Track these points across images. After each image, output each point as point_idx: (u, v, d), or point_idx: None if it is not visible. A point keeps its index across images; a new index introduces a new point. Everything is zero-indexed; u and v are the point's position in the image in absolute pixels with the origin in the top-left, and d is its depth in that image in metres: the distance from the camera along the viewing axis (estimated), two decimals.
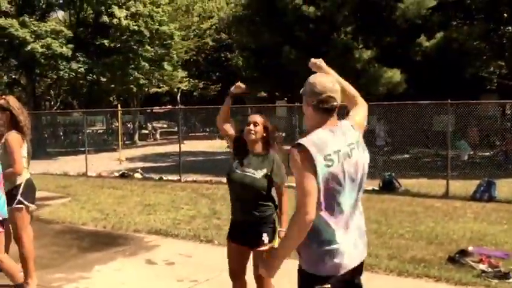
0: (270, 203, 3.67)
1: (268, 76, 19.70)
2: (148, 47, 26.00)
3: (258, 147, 3.67)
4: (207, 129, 39.59)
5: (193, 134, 38.15)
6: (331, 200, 2.33)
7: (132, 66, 26.07)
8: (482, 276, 4.82)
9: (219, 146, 26.69)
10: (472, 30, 16.61)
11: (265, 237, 3.62)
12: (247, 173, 3.60)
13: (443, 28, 16.70)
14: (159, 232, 6.97)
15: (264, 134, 3.66)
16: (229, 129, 3.85)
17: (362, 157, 2.46)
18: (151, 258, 5.84)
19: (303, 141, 2.31)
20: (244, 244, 3.66)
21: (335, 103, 2.40)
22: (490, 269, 4.94)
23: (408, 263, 5.34)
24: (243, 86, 3.86)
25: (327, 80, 2.47)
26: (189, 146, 24.13)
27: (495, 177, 10.59)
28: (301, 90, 2.51)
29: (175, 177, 13.04)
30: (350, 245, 2.38)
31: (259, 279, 3.70)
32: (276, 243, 3.60)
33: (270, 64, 18.37)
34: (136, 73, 26.32)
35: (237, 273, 3.82)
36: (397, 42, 16.16)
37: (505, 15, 18.56)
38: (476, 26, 16.77)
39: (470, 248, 5.59)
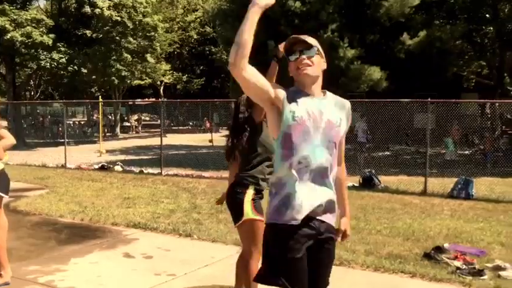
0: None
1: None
2: (131, 39, 25.77)
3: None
4: (190, 123, 39.45)
5: (176, 128, 38.00)
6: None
7: (114, 57, 25.81)
8: (456, 273, 4.88)
9: (201, 139, 26.63)
10: (455, 30, 16.81)
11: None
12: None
13: (426, 27, 16.86)
14: (138, 225, 6.92)
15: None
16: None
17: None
18: (129, 251, 5.80)
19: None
20: None
21: None
22: (464, 266, 5.01)
23: (385, 258, 5.39)
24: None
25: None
26: (171, 139, 24.04)
27: (473, 175, 10.76)
28: (315, 45, 2.49)
29: (156, 170, 12.97)
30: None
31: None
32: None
33: (255, 59, 18.31)
34: (118, 65, 26.06)
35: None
36: (380, 40, 16.28)
37: (487, 15, 18.82)
38: (458, 25, 16.96)
39: (446, 245, 5.67)
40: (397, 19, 16.35)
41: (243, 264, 3.85)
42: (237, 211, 3.72)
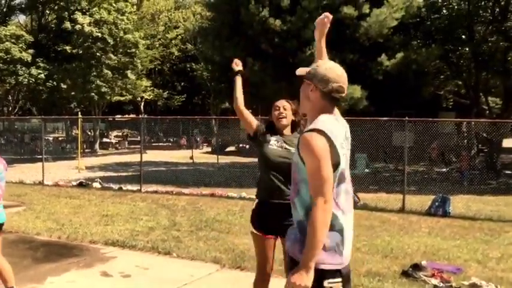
0: None
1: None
2: (112, 55, 25.74)
3: (287, 131, 3.73)
4: (170, 140, 39.29)
5: (157, 144, 37.79)
6: (340, 188, 2.37)
7: (95, 73, 25.72)
8: None
9: (182, 156, 26.52)
10: (430, 53, 17.16)
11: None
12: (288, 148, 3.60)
13: (403, 48, 17.18)
14: (116, 243, 6.85)
15: (293, 118, 3.73)
16: (253, 120, 3.89)
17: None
18: (107, 270, 5.72)
19: (321, 127, 2.28)
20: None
21: (343, 94, 2.41)
22: (442, 284, 5.08)
23: (363, 276, 5.43)
24: (238, 61, 4.04)
25: (339, 68, 2.43)
26: (151, 155, 23.89)
27: (450, 193, 10.93)
28: (305, 72, 2.43)
29: (135, 187, 12.86)
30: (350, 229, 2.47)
31: None
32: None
33: (229, 77, 18.44)
34: (98, 81, 25.96)
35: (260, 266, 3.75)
36: (359, 60, 16.51)
37: (463, 36, 19.29)
38: (434, 48, 17.33)
39: (423, 262, 5.73)
40: (376, 39, 16.63)
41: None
42: None
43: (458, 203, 10.58)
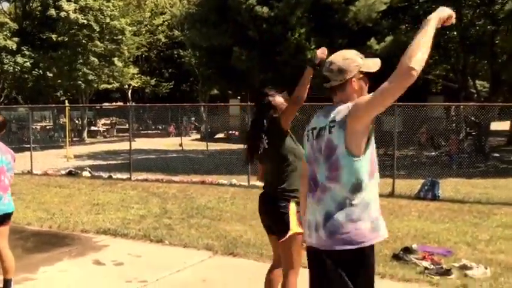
0: None
1: (221, 75, 19.68)
2: (98, 42, 25.45)
3: None
4: (159, 127, 39.11)
5: (145, 132, 37.59)
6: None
7: (81, 61, 25.44)
8: (425, 273, 5.00)
9: (171, 143, 26.44)
10: None
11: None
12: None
13: (392, 32, 17.18)
14: (108, 232, 6.83)
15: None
16: None
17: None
18: (99, 258, 5.71)
19: None
20: None
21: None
22: (432, 266, 5.13)
23: None
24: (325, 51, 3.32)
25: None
26: (140, 143, 23.78)
27: (439, 176, 11.03)
28: (335, 72, 2.53)
29: (125, 175, 12.81)
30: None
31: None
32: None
33: (223, 63, 18.35)
34: (84, 68, 25.67)
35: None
36: (348, 44, 16.48)
37: None
38: None
39: (414, 246, 5.79)
40: (365, 24, 16.62)
41: (276, 281, 3.61)
42: (282, 225, 3.42)
43: (448, 186, 10.68)
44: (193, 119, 36.96)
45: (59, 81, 27.09)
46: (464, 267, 5.11)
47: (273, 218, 3.50)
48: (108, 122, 40.23)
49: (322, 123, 2.49)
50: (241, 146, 20.58)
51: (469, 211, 8.43)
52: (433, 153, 17.90)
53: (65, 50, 24.79)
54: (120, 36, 27.29)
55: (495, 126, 21.55)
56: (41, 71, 24.15)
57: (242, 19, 16.91)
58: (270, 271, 3.69)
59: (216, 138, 30.33)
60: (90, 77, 26.82)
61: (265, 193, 3.61)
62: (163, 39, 40.86)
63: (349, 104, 2.40)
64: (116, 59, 27.95)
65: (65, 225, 7.30)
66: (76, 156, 19.22)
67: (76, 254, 5.92)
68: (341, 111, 2.40)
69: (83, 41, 25.11)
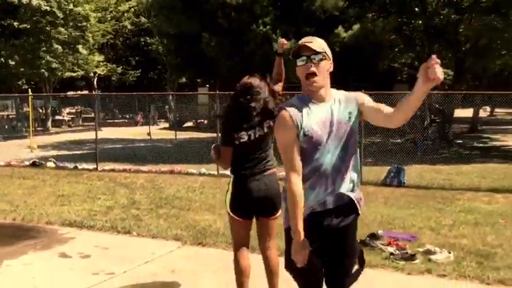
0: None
1: (189, 63, 19.51)
2: (62, 29, 24.80)
3: None
4: (126, 116, 38.53)
5: (112, 121, 36.99)
6: None
7: (44, 49, 24.75)
8: (390, 258, 5.10)
9: (139, 133, 26.12)
10: (386, 23, 17.37)
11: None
12: None
13: (359, 20, 17.34)
14: (74, 224, 6.71)
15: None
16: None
17: None
18: (65, 251, 5.62)
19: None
20: None
21: None
22: (397, 251, 5.24)
23: None
24: (285, 42, 3.97)
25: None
26: (106, 133, 23.41)
27: (404, 163, 11.25)
28: (322, 50, 2.57)
29: (91, 165, 12.59)
30: None
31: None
32: (226, 207, 3.81)
33: (191, 51, 18.18)
34: (48, 56, 25.00)
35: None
36: (316, 32, 16.54)
37: (416, 9, 19.58)
38: (390, 19, 17.54)
39: (380, 232, 5.90)
40: (332, 12, 16.71)
41: (275, 262, 3.82)
42: (276, 203, 3.61)
43: (413, 173, 10.91)
44: (167, 107, 36.46)
45: (22, 69, 26.31)
46: (428, 252, 5.24)
47: (269, 200, 3.68)
48: (74, 111, 39.41)
49: None
50: (209, 135, 20.55)
51: (433, 197, 8.64)
52: (398, 141, 18.20)
53: (28, 37, 24.09)
54: (84, 23, 26.63)
55: (459, 113, 22.07)
56: (2, 59, 23.41)
57: (210, 6, 16.75)
58: (245, 256, 3.78)
59: (185, 127, 30.12)
60: (54, 65, 26.11)
61: (254, 175, 3.67)
62: (129, 26, 40.09)
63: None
64: (80, 47, 27.30)
65: (29, 217, 7.14)
66: (40, 147, 18.77)
67: (41, 246, 5.81)
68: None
69: (46, 28, 24.44)
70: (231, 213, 3.75)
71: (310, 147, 2.53)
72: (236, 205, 3.70)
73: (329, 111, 2.57)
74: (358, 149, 2.73)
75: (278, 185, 3.61)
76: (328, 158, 2.56)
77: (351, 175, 2.66)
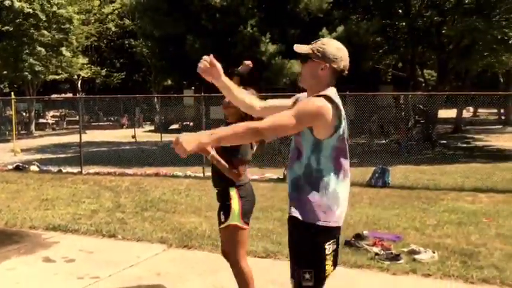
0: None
1: (174, 65, 19.40)
2: (45, 31, 24.55)
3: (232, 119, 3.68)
4: (111, 119, 38.26)
5: (96, 124, 36.72)
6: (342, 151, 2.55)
7: (27, 51, 24.48)
8: (375, 259, 5.14)
9: (123, 135, 25.95)
10: (370, 25, 17.50)
11: (221, 216, 3.63)
12: None
13: (343, 22, 17.43)
14: (58, 228, 6.64)
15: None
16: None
17: None
18: (50, 255, 5.55)
19: (329, 93, 2.46)
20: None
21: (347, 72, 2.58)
22: (382, 252, 5.28)
23: None
24: (250, 64, 3.84)
25: (344, 47, 2.57)
26: (91, 136, 23.24)
27: (389, 164, 11.34)
28: (310, 50, 2.50)
29: (76, 169, 12.48)
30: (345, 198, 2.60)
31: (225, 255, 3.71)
32: (235, 221, 3.55)
33: (176, 53, 18.10)
34: (31, 59, 24.73)
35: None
36: (301, 35, 16.61)
37: (400, 11, 19.79)
38: (374, 21, 17.68)
39: (365, 232, 5.93)
40: (316, 14, 16.76)
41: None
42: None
43: (397, 173, 10.99)
44: (138, 109, 36.16)
45: (5, 72, 26.03)
46: (412, 252, 5.28)
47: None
48: (58, 114, 39.01)
49: None
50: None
51: (418, 197, 8.72)
52: (383, 141, 18.36)
53: (10, 40, 23.82)
54: (67, 25, 26.40)
55: (442, 114, 22.31)
56: None
57: (195, 8, 16.71)
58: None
59: (171, 129, 30.00)
60: (37, 68, 25.84)
61: (249, 182, 3.76)
62: (113, 29, 39.84)
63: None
64: (64, 49, 27.05)
65: (12, 221, 7.05)
66: (24, 150, 18.56)
67: (25, 251, 5.73)
68: None
69: (29, 30, 24.19)
70: (242, 225, 3.59)
71: None
72: (247, 213, 3.63)
73: None
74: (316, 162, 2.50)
75: None
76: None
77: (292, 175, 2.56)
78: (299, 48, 2.54)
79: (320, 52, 2.49)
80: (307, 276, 2.48)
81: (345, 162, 2.57)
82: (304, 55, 2.53)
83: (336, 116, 2.43)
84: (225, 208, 3.60)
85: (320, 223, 2.46)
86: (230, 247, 3.65)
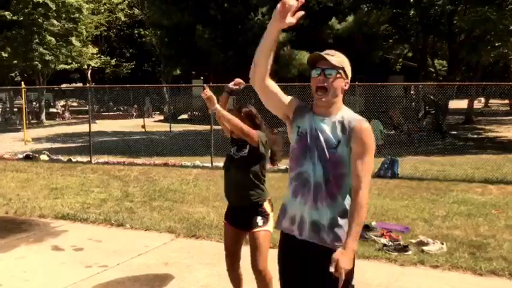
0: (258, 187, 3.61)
1: (183, 55, 19.39)
2: (55, 21, 24.57)
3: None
4: (121, 108, 38.36)
5: (106, 113, 36.84)
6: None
7: (37, 40, 24.54)
8: (383, 250, 5.12)
9: (133, 125, 26.03)
10: (381, 15, 17.33)
11: (259, 220, 3.57)
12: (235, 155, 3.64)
13: (353, 12, 17.28)
14: (67, 217, 6.68)
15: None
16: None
17: None
18: (58, 244, 5.60)
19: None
20: (239, 227, 3.65)
21: None
22: (390, 243, 5.25)
23: None
24: (242, 82, 3.72)
25: None
26: (101, 125, 23.32)
27: (398, 155, 11.26)
28: (337, 64, 2.42)
29: (85, 158, 12.55)
30: None
31: (256, 268, 3.60)
32: (271, 227, 3.54)
33: (185, 42, 18.07)
34: (41, 48, 24.79)
35: (230, 252, 3.74)
36: (310, 24, 16.50)
37: (411, 0, 19.54)
38: (384, 10, 17.49)
39: (373, 223, 5.91)
40: (326, 3, 16.63)
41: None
42: None
43: (406, 164, 10.92)
44: (147, 99, 36.03)
45: (15, 61, 26.10)
46: (421, 243, 5.25)
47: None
48: (68, 103, 39.17)
49: None
50: (204, 127, 20.52)
51: (427, 188, 8.66)
52: (392, 132, 18.22)
53: (20, 29, 23.88)
54: (77, 15, 26.39)
55: (453, 104, 22.10)
56: None
57: None
58: None
59: (180, 119, 30.04)
60: (47, 57, 25.89)
61: None
62: (123, 18, 39.76)
63: None
64: (73, 39, 27.08)
65: (22, 210, 7.11)
66: (34, 139, 18.67)
67: (34, 240, 5.78)
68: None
69: (39, 20, 24.22)
70: (271, 231, 3.59)
71: (299, 149, 2.57)
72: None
73: (320, 124, 2.46)
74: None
75: None
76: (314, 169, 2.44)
77: (327, 202, 2.41)
78: (336, 60, 2.42)
79: (342, 68, 2.44)
80: None
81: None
82: (335, 67, 2.41)
83: None
84: (261, 213, 3.58)
85: None
86: (261, 254, 3.57)
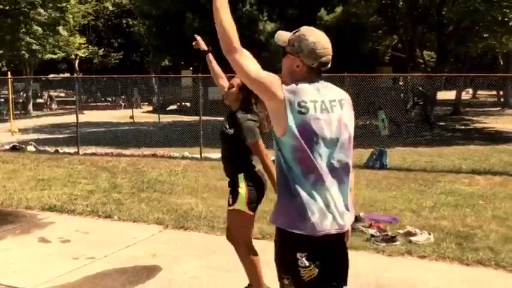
0: (235, 164, 3.67)
1: (172, 45, 19.27)
2: (41, 10, 24.19)
3: (235, 107, 3.70)
4: (109, 99, 38.06)
5: (94, 104, 36.56)
6: (304, 152, 2.16)
7: (23, 30, 24.19)
8: (371, 240, 5.14)
9: (121, 116, 25.85)
10: (369, 6, 17.31)
11: (230, 199, 3.62)
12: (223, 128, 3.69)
13: (342, 2, 17.24)
14: (54, 208, 6.62)
15: (240, 96, 3.63)
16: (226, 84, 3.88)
17: (345, 116, 2.29)
18: (45, 236, 5.55)
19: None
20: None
21: (329, 65, 2.26)
22: (378, 233, 5.28)
23: None
24: (198, 39, 4.05)
25: (325, 38, 2.27)
26: (89, 116, 23.15)
27: (387, 146, 11.31)
28: (286, 42, 2.26)
29: (72, 149, 12.44)
30: (322, 205, 2.20)
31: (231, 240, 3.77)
32: (240, 206, 3.55)
33: (174, 32, 17.94)
34: (28, 38, 24.46)
35: (227, 229, 3.90)
36: (299, 15, 16.45)
37: None
38: (372, 1, 17.48)
39: (361, 214, 5.93)
40: None
41: None
42: None
43: (395, 155, 10.96)
44: (135, 89, 35.73)
45: (1, 51, 25.79)
46: (408, 234, 5.28)
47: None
48: (55, 94, 38.80)
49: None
50: (193, 118, 20.44)
51: (415, 179, 8.71)
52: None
53: (6, 18, 23.53)
54: (64, 4, 26.04)
55: (441, 95, 22.21)
56: None
57: None
58: None
59: (168, 110, 29.89)
60: (34, 47, 25.56)
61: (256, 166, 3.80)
62: (110, 8, 39.30)
63: None
64: (60, 28, 26.72)
65: (8, 202, 7.04)
66: (21, 130, 18.49)
67: (20, 231, 5.73)
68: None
69: (25, 9, 23.87)
70: (248, 211, 3.58)
71: None
72: (253, 201, 3.59)
73: None
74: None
75: None
76: None
77: None
78: (281, 39, 2.30)
79: (296, 47, 2.23)
80: (285, 281, 2.30)
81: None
82: (284, 48, 2.26)
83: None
84: (234, 193, 3.61)
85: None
86: (234, 230, 3.73)
